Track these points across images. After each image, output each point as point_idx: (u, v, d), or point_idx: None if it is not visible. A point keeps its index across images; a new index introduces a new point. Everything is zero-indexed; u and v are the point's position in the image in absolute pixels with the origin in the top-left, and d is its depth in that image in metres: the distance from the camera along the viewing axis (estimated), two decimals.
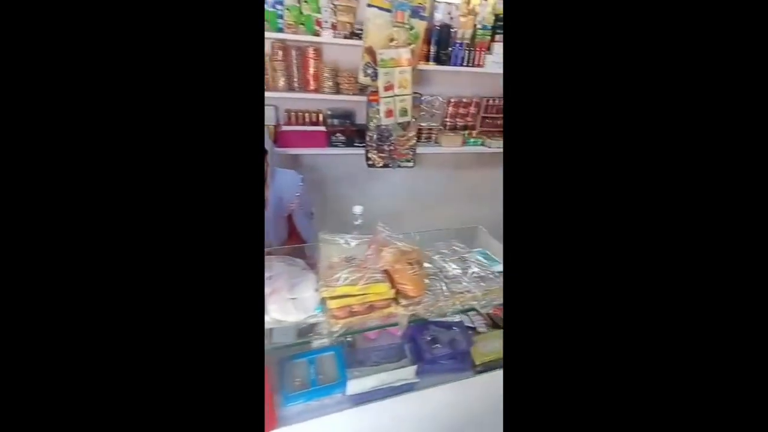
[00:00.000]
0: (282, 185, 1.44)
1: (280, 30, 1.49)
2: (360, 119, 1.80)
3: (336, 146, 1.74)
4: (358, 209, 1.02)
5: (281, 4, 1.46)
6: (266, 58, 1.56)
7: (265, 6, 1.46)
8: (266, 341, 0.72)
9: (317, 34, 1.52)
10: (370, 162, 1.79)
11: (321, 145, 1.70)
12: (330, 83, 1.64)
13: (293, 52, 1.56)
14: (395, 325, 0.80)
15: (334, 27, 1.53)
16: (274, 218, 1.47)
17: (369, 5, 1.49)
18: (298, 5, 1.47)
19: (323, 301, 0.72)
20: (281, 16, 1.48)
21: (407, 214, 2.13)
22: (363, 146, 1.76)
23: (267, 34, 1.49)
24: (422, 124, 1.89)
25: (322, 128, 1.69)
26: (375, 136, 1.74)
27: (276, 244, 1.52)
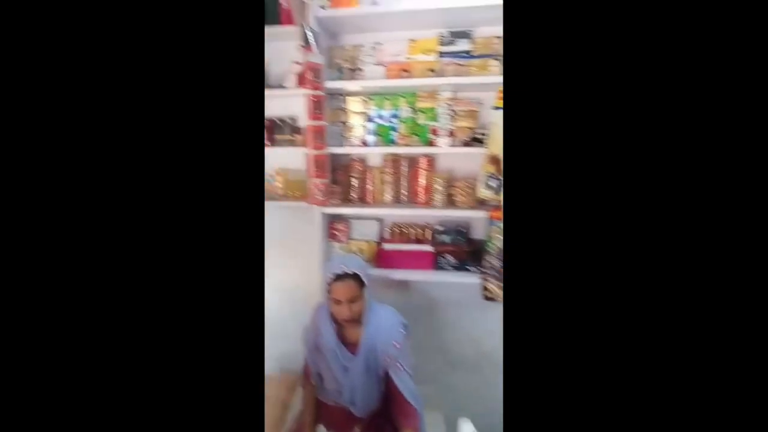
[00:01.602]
0: (378, 328, 1.10)
1: (393, 142, 1.35)
2: (476, 238, 1.46)
3: (444, 269, 1.40)
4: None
5: (397, 117, 1.34)
6: (375, 171, 1.41)
7: (380, 120, 1.36)
8: None
9: (432, 144, 1.33)
10: (488, 294, 1.37)
11: (426, 267, 1.37)
12: (441, 195, 1.39)
13: (403, 163, 1.39)
14: None
15: (451, 134, 1.33)
16: (364, 373, 1.10)
17: (495, 107, 1.28)
18: (413, 116, 1.33)
19: None
20: (395, 129, 1.35)
21: None
22: (478, 272, 1.38)
23: (378, 149, 1.36)
24: None
25: (429, 248, 1.38)
26: (496, 262, 1.36)
27: (363, 412, 1.11)
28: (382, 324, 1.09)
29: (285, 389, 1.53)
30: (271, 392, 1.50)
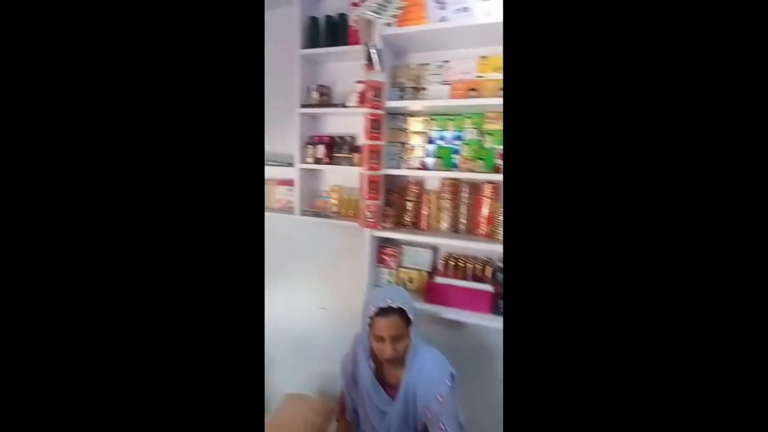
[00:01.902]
0: (422, 373, 0.97)
1: (454, 166, 1.24)
2: None
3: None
4: None
5: (460, 139, 1.23)
6: (432, 196, 1.31)
7: (442, 142, 1.26)
8: None
9: (498, 170, 1.18)
10: None
11: (483, 308, 1.21)
12: None
13: (465, 189, 1.27)
14: None
15: None
16: (402, 420, 0.97)
17: None
18: (479, 138, 1.21)
19: None
20: (457, 152, 1.24)
21: None
22: None
23: (437, 172, 1.26)
24: None
25: (489, 287, 1.21)
26: None
27: None
28: (427, 370, 0.96)
29: (322, 415, 1.46)
30: (307, 415, 1.45)
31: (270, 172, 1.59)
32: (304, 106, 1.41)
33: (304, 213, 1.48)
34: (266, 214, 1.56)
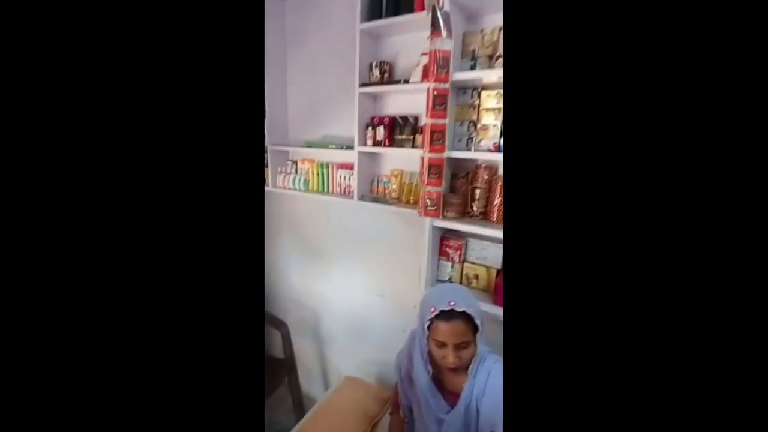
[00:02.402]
0: (486, 385, 0.86)
1: None
2: None
3: None
4: None
5: None
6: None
7: None
8: None
9: None
10: None
11: None
12: None
13: None
14: None
15: None
16: (461, 431, 0.88)
17: None
18: None
19: None
20: None
21: None
22: None
23: None
24: None
25: None
26: None
27: None
28: (493, 384, 0.85)
29: (378, 403, 1.44)
30: (363, 400, 1.44)
31: (330, 155, 1.56)
32: (363, 85, 1.32)
33: (362, 198, 1.43)
34: (325, 198, 1.54)
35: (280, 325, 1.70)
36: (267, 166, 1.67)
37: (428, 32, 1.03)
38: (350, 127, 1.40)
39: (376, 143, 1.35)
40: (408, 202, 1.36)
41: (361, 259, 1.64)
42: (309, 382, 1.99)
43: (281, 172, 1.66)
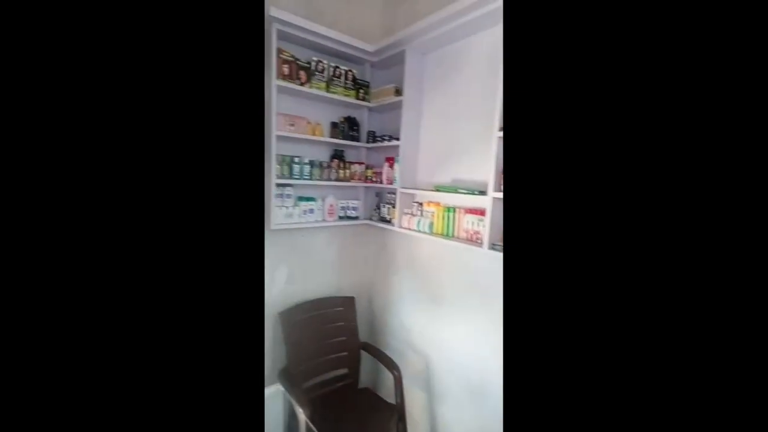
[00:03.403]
0: None
1: None
2: None
3: None
4: None
5: None
6: None
7: None
8: None
9: None
10: None
11: None
12: None
13: None
14: None
15: None
16: None
17: None
18: None
19: None
20: None
21: None
22: None
23: None
24: None
25: None
26: None
27: None
28: None
29: None
30: None
31: (458, 199, 1.53)
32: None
33: (493, 247, 1.33)
34: (451, 242, 1.49)
35: (393, 368, 1.66)
36: (394, 207, 1.73)
37: None
38: (482, 173, 1.34)
39: None
40: None
41: (483, 311, 1.51)
42: None
43: (407, 213, 1.70)
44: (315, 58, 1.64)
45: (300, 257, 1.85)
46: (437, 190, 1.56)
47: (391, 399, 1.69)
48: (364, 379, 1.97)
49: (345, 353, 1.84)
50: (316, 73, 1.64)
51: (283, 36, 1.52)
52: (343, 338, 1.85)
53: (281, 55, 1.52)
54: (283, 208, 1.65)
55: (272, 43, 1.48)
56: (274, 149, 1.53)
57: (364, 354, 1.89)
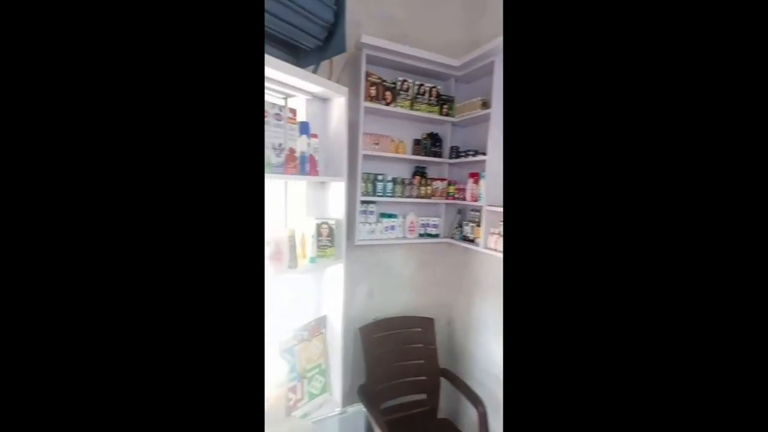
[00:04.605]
0: None
1: None
2: None
3: None
4: None
5: None
6: None
7: None
8: None
9: None
10: None
11: None
12: None
13: None
14: None
15: None
16: None
17: None
18: None
19: None
20: None
21: None
22: None
23: None
24: None
25: None
26: None
27: None
28: None
29: None
30: None
31: None
32: None
33: None
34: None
35: (478, 403, 1.52)
36: (479, 225, 1.63)
37: None
38: None
39: None
40: None
41: None
42: None
43: (494, 233, 1.58)
44: (400, 78, 1.67)
45: (380, 274, 1.85)
46: None
47: None
48: (444, 408, 1.85)
49: (424, 377, 1.76)
50: (401, 92, 1.67)
51: (371, 60, 1.58)
52: (422, 361, 1.77)
53: (369, 78, 1.58)
54: (367, 225, 1.68)
55: (361, 68, 1.55)
56: (359, 167, 1.58)
57: (443, 381, 1.78)
